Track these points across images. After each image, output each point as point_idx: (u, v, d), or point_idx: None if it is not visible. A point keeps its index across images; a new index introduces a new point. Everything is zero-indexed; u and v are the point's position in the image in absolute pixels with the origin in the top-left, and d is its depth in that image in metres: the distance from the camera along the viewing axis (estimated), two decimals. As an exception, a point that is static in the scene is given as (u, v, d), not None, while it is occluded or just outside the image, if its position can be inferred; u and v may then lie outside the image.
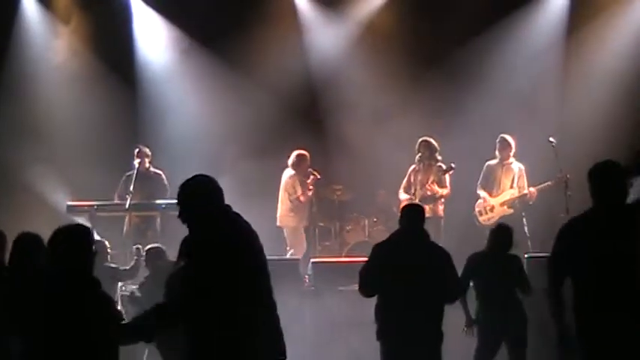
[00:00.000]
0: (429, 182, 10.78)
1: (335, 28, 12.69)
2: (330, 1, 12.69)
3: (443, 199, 10.79)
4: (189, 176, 5.02)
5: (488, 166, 10.94)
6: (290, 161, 11.23)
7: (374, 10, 12.62)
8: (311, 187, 11.21)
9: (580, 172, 10.45)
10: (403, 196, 11.05)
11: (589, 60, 11.90)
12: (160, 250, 8.37)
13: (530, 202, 10.67)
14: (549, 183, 10.51)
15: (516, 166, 10.80)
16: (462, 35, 12.15)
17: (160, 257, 8.20)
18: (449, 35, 12.18)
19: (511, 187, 10.77)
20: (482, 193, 10.90)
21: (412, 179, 11.00)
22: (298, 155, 11.23)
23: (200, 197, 4.87)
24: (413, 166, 11.03)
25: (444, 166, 10.80)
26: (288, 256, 10.60)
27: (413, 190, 10.91)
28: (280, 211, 11.24)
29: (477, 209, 10.92)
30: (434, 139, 10.98)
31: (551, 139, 10.48)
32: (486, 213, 10.85)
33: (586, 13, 11.99)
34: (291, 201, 11.18)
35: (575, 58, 11.98)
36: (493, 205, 10.81)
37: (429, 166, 10.90)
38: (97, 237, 5.34)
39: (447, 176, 10.83)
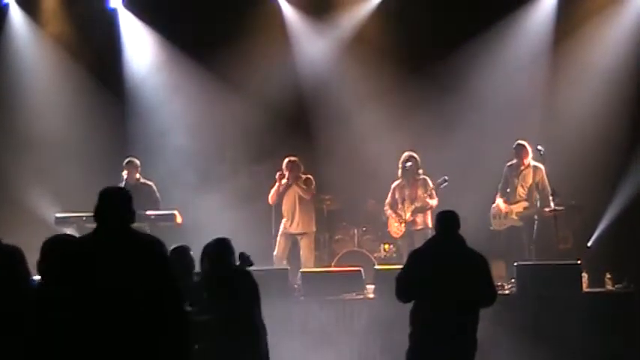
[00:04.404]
0: (420, 195, 10.77)
1: (323, 38, 12.70)
2: (318, 12, 12.70)
3: (432, 210, 10.79)
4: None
5: (508, 168, 10.84)
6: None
7: (362, 21, 12.64)
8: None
9: (569, 180, 10.67)
10: (390, 212, 11.04)
11: (577, 67, 11.93)
12: None
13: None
14: (561, 209, 10.40)
15: (534, 172, 10.67)
16: (449, 44, 12.17)
17: None
18: (437, 44, 12.20)
19: (527, 194, 10.70)
20: (498, 199, 10.85)
21: (397, 195, 10.99)
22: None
23: None
24: (397, 182, 11.00)
25: (429, 179, 10.82)
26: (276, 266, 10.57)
27: (400, 206, 10.91)
28: (301, 217, 11.12)
29: (492, 212, 10.94)
30: (422, 147, 11.00)
31: (539, 147, 10.48)
32: (499, 218, 10.85)
33: (573, 22, 12.02)
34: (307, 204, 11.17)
35: (563, 66, 12.01)
36: (507, 212, 10.80)
37: (415, 180, 10.90)
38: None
39: (436, 187, 10.84)
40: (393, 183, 11.04)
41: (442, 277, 6.32)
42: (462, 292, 6.33)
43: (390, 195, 11.05)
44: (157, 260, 4.71)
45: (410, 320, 6.51)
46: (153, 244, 4.77)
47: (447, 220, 6.62)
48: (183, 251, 6.84)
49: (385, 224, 11.33)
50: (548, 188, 10.53)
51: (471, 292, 6.38)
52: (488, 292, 6.54)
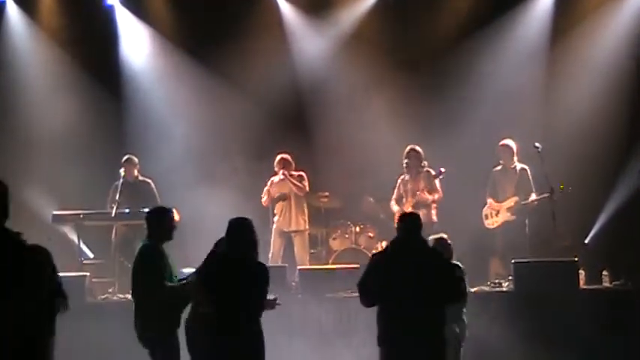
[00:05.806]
0: (420, 189, 10.80)
1: (322, 35, 12.69)
2: (316, 9, 12.68)
3: (435, 204, 10.81)
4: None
5: (494, 172, 11.00)
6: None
7: (360, 18, 12.62)
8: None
9: (567, 176, 10.68)
10: (395, 208, 11.04)
11: (574, 65, 11.94)
12: None
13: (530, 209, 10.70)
14: (546, 195, 10.38)
15: (519, 170, 10.80)
16: (447, 41, 12.18)
17: None
18: (435, 41, 12.21)
19: (515, 192, 10.78)
20: (489, 199, 10.97)
21: (402, 189, 11.02)
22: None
23: None
24: (402, 177, 11.03)
25: (432, 172, 10.83)
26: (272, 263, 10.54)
27: (404, 200, 10.92)
28: (295, 215, 11.16)
29: (484, 213, 11.02)
30: (421, 144, 11.01)
31: (536, 144, 10.49)
32: (492, 217, 10.92)
33: (571, 18, 12.02)
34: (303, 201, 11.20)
35: (561, 63, 12.02)
36: (498, 209, 10.86)
37: (417, 173, 10.91)
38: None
39: (438, 181, 10.85)
40: (399, 178, 11.06)
41: (404, 278, 6.28)
42: (425, 291, 6.28)
43: (395, 190, 11.08)
44: (38, 270, 4.15)
45: (377, 324, 6.45)
46: (36, 251, 4.22)
47: (407, 223, 6.63)
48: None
49: (387, 220, 11.32)
50: (533, 188, 10.65)
51: (434, 291, 6.33)
52: (451, 290, 6.53)
